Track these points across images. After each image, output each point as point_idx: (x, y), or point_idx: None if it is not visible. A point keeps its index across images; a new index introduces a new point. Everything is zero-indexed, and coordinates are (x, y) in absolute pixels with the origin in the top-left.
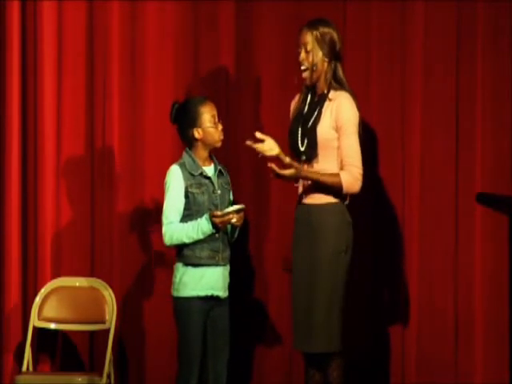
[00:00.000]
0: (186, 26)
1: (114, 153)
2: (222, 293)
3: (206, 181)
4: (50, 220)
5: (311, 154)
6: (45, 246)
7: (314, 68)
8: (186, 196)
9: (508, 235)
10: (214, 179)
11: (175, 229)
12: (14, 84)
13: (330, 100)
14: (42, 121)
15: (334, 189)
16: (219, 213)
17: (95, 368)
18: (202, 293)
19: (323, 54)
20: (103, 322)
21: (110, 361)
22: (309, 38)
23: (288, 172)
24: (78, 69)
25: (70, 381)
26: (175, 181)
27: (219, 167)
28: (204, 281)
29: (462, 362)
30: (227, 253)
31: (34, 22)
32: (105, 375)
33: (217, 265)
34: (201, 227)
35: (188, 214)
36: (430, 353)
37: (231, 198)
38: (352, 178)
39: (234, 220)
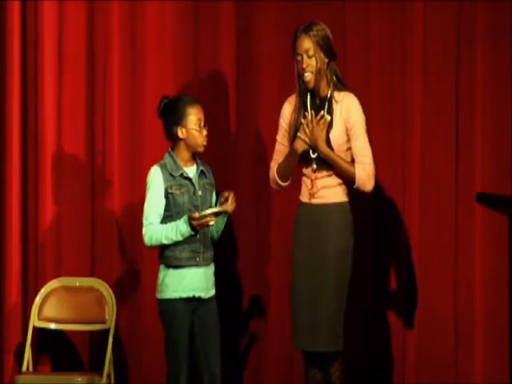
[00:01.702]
0: (185, 25)
1: (114, 153)
2: (205, 293)
3: (187, 182)
4: (50, 220)
5: (325, 161)
6: (45, 246)
7: (319, 71)
8: (166, 197)
9: (508, 235)
10: (195, 180)
11: (154, 230)
12: (14, 84)
13: (337, 102)
14: (42, 121)
15: (346, 176)
16: (197, 215)
17: (95, 368)
18: (184, 294)
19: (324, 55)
20: (103, 322)
21: (109, 361)
22: (309, 44)
23: (318, 133)
24: (77, 69)
25: (70, 381)
26: (155, 182)
27: (201, 168)
28: (185, 282)
29: (462, 362)
30: (209, 253)
31: (35, 21)
32: (105, 375)
33: (198, 265)
34: (179, 229)
35: (168, 215)
36: (430, 353)
37: (214, 199)
38: (366, 176)
39: (212, 222)
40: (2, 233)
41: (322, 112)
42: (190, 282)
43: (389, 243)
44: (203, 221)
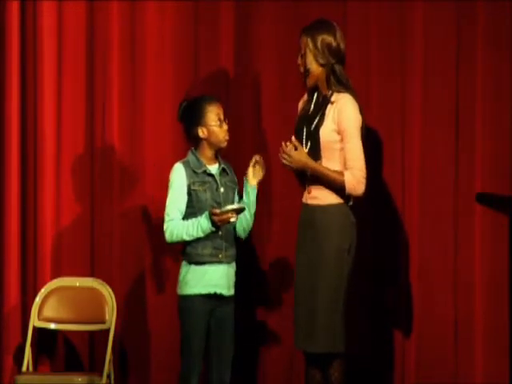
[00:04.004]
0: (185, 26)
1: (114, 152)
2: (226, 291)
3: (210, 178)
4: (50, 220)
5: (314, 155)
6: (45, 246)
7: (307, 73)
8: (189, 193)
9: (508, 235)
10: (217, 177)
11: (176, 226)
12: (13, 84)
13: (333, 103)
14: (41, 121)
15: (336, 186)
16: (218, 211)
17: (95, 368)
18: (204, 290)
19: (315, 59)
20: (103, 322)
21: (109, 361)
22: (303, 43)
23: (297, 156)
24: (78, 69)
25: (70, 381)
26: (178, 178)
27: (223, 165)
28: (206, 279)
29: (462, 362)
30: (232, 251)
31: (34, 22)
32: (105, 375)
33: (220, 262)
34: (200, 225)
35: (191, 212)
36: (429, 353)
37: (236, 196)
38: (355, 181)
39: (233, 219)
40: (1, 233)
41: (288, 142)
42: (211, 278)
43: (389, 243)
44: (224, 217)
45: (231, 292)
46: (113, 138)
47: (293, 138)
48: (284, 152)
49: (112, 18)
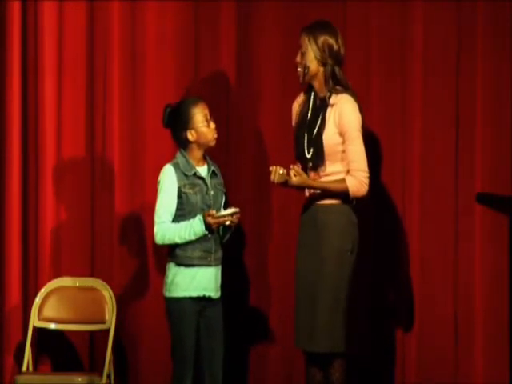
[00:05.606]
0: (186, 26)
1: (114, 154)
2: (214, 293)
3: (200, 181)
4: (51, 220)
5: (318, 161)
6: (45, 246)
7: (306, 71)
8: (179, 196)
9: (508, 235)
10: (208, 180)
11: (167, 228)
12: (14, 84)
13: (332, 106)
14: (42, 121)
15: (340, 195)
16: (215, 213)
17: (95, 368)
18: (195, 293)
19: (316, 58)
20: (103, 322)
21: (109, 361)
22: (303, 42)
23: (295, 180)
24: (78, 69)
25: (70, 381)
26: (168, 180)
27: (212, 168)
28: (196, 281)
29: (462, 362)
30: (219, 253)
31: (35, 22)
32: (105, 375)
33: (209, 265)
34: (193, 228)
35: (181, 214)
36: (430, 353)
37: (223, 199)
38: (358, 183)
39: (228, 222)
40: (2, 233)
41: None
42: (201, 281)
43: (389, 243)
44: (220, 220)
45: (218, 294)
46: (113, 138)
47: (291, 166)
48: (278, 178)
49: (112, 18)
